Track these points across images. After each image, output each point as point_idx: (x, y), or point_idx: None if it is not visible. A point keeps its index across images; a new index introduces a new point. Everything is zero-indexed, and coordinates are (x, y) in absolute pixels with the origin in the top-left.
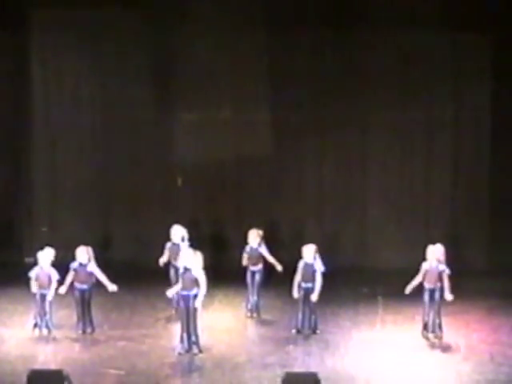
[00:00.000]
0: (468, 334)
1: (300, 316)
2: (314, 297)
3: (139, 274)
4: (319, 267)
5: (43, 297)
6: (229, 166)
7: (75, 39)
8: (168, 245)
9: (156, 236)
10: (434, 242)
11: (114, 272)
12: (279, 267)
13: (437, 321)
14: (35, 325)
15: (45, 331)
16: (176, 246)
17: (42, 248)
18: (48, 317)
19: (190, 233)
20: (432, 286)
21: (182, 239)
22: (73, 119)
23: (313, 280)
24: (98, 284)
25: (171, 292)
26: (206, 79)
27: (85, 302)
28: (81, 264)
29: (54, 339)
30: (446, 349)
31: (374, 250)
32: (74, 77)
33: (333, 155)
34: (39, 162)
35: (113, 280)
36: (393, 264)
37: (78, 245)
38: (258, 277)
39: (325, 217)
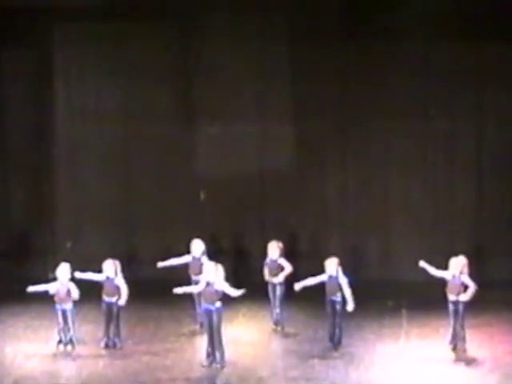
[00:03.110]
0: (493, 346)
1: (331, 329)
2: (350, 307)
3: (163, 288)
4: (343, 279)
5: (64, 312)
6: (252, 180)
7: (98, 53)
8: (189, 259)
9: (180, 250)
10: (458, 254)
11: (138, 286)
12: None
13: (461, 333)
14: (59, 341)
15: (69, 347)
16: (197, 261)
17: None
18: (72, 332)
19: (213, 246)
20: (455, 298)
21: (203, 253)
22: (96, 133)
23: (339, 292)
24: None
25: (180, 289)
26: (229, 93)
27: (112, 315)
28: (108, 277)
29: (79, 355)
30: (471, 361)
31: (398, 263)
32: (96, 90)
33: (356, 167)
34: (62, 176)
35: (137, 295)
36: (417, 276)
37: (101, 259)
38: (279, 289)
39: (348, 229)
